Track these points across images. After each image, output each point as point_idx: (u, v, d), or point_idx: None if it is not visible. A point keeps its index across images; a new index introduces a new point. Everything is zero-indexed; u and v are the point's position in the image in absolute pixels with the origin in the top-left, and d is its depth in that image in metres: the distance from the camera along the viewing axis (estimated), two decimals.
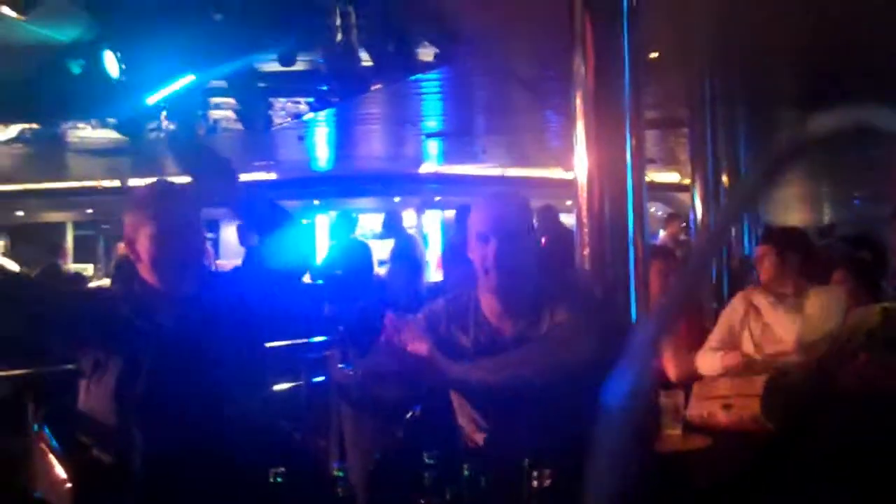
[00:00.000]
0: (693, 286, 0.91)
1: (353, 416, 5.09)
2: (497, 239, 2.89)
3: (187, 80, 6.90)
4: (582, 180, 3.85)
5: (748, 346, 4.53)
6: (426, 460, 2.47)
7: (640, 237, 3.87)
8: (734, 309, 4.68)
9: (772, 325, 4.47)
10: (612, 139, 3.81)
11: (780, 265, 4.53)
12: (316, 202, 18.22)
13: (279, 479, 2.39)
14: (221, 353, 2.83)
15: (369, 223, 14.52)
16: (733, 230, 8.58)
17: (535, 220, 3.22)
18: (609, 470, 0.81)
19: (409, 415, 3.71)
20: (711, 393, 3.96)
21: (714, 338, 4.66)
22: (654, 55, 6.61)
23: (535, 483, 2.29)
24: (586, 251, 3.87)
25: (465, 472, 2.40)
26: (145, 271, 2.84)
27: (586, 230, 3.86)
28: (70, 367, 2.91)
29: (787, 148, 0.78)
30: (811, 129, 0.77)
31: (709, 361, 4.50)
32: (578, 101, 3.88)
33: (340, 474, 2.48)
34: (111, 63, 6.28)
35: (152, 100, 7.15)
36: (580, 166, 3.86)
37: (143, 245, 2.80)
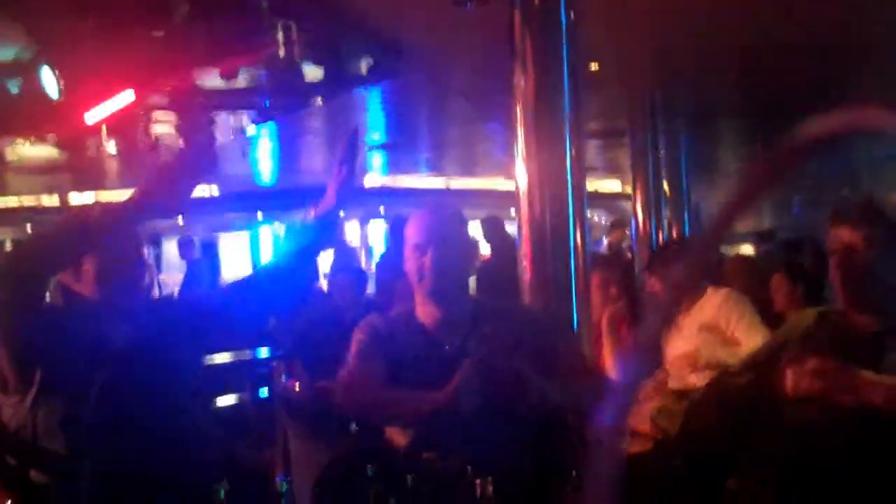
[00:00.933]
0: (686, 292, 0.93)
1: (297, 429, 5.07)
2: (433, 246, 2.91)
3: (127, 97, 6.84)
4: (523, 190, 3.89)
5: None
6: (369, 473, 2.48)
7: (582, 246, 3.91)
8: None
9: (673, 336, 4.52)
10: (552, 149, 3.85)
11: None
12: (260, 215, 18.11)
13: (222, 495, 2.38)
14: (170, 370, 2.82)
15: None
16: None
17: (480, 231, 3.27)
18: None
19: (352, 426, 3.72)
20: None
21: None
22: (594, 66, 6.67)
23: (478, 490, 2.31)
24: (527, 261, 3.90)
25: (409, 483, 2.42)
26: (87, 289, 2.81)
27: (527, 240, 3.89)
28: None
29: (785, 148, 0.80)
30: (808, 129, 0.78)
31: None
32: (519, 113, 3.92)
33: (284, 488, 2.48)
34: (49, 81, 6.21)
35: (92, 118, 7.08)
36: (521, 176, 3.89)
37: (89, 261, 2.78)
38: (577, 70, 3.94)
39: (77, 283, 2.82)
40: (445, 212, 3.13)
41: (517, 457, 2.84)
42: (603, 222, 16.39)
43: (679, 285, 0.91)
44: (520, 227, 3.96)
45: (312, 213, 3.04)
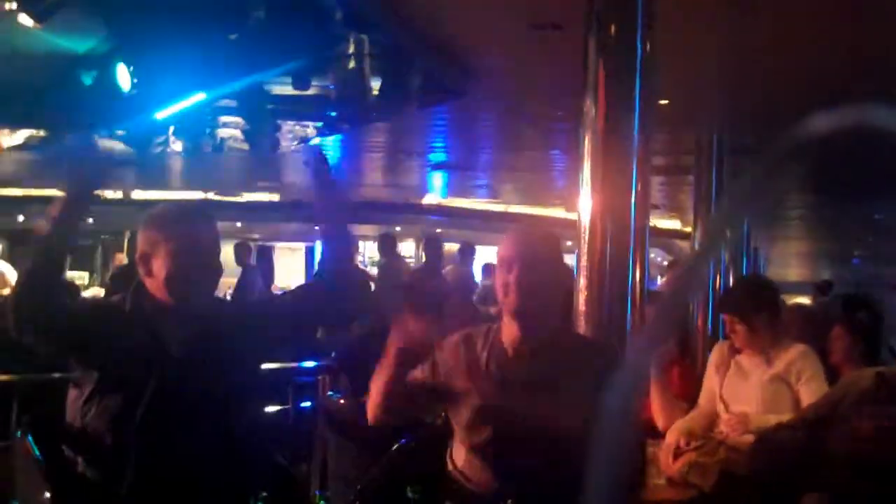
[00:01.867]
0: (677, 309, 0.90)
1: (337, 444, 5.05)
2: (519, 264, 2.88)
3: (198, 97, 6.92)
4: (585, 222, 3.84)
5: (719, 404, 4.47)
6: (409, 494, 2.45)
7: (641, 283, 3.85)
8: (709, 365, 4.62)
9: (740, 380, 4.41)
10: (617, 183, 3.80)
11: (747, 330, 4.42)
12: (316, 227, 18.19)
13: None
14: (225, 375, 2.81)
15: (370, 250, 14.54)
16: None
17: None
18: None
19: (395, 446, 3.68)
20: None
21: (700, 400, 4.60)
22: (664, 102, 6.62)
23: None
24: (584, 294, 3.85)
25: None
26: (157, 288, 2.81)
27: (585, 272, 3.84)
28: (56, 375, 2.88)
29: (784, 148, 0.77)
30: (808, 128, 0.75)
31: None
32: (587, 143, 3.88)
33: (322, 502, 2.46)
34: (123, 76, 6.30)
35: (162, 115, 7.17)
36: (584, 208, 3.85)
37: (160, 262, 2.76)
38: (648, 104, 3.90)
39: (150, 280, 2.82)
40: (537, 232, 3.14)
41: (561, 494, 2.78)
42: (659, 260, 16.26)
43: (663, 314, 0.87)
44: (579, 259, 3.91)
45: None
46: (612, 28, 3.86)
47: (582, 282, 3.87)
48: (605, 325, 3.80)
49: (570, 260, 4.78)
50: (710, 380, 4.57)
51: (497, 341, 2.99)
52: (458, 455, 2.97)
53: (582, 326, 3.85)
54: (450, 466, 2.96)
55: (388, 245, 10.77)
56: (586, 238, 3.82)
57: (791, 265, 22.34)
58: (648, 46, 3.85)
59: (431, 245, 10.21)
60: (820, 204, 13.79)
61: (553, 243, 3.05)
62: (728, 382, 4.45)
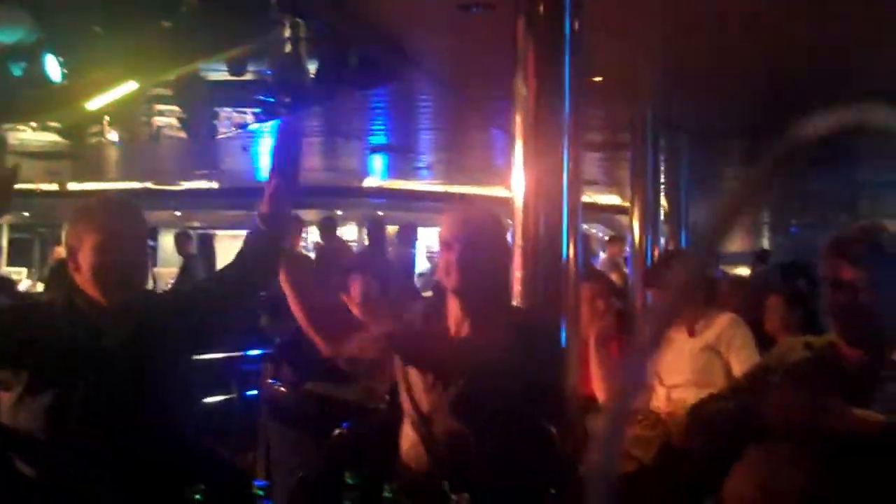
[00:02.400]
0: (680, 303, 0.91)
1: (280, 432, 5.02)
2: (459, 243, 2.91)
3: (130, 87, 6.83)
4: (518, 199, 3.85)
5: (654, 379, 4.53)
6: (348, 480, 2.45)
7: (575, 259, 3.87)
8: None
9: (671, 354, 4.48)
10: (549, 160, 3.81)
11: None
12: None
13: (198, 497, 2.35)
14: (159, 368, 2.79)
15: (312, 235, 14.45)
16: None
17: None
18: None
19: (336, 432, 3.67)
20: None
21: None
22: (598, 79, 6.65)
23: None
24: (520, 271, 3.87)
25: (386, 494, 2.38)
26: (85, 283, 2.77)
27: (520, 250, 3.86)
28: None
29: (783, 149, 0.77)
30: (807, 129, 0.76)
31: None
32: (518, 122, 3.89)
33: (260, 493, 2.45)
34: (53, 67, 6.19)
35: (94, 105, 7.06)
36: (517, 186, 3.86)
37: (86, 256, 2.73)
38: (579, 81, 3.90)
39: (78, 275, 2.78)
40: (476, 211, 3.17)
41: (497, 474, 2.80)
42: (601, 236, 16.37)
43: (673, 301, 0.88)
44: (514, 237, 3.93)
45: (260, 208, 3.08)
46: (541, 7, 3.86)
47: (517, 259, 3.89)
48: (539, 301, 3.82)
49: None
50: None
51: (441, 319, 3.02)
52: (406, 439, 2.98)
53: (518, 303, 3.86)
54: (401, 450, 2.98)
55: (328, 229, 10.71)
56: (520, 216, 3.83)
57: (731, 236, 22.62)
58: (577, 24, 3.86)
59: (374, 228, 10.15)
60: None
61: (493, 222, 3.07)
62: (661, 357, 4.51)
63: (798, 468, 2.46)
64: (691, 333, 4.45)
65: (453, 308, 3.00)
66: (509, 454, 2.88)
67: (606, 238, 13.21)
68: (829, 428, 2.41)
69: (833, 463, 2.41)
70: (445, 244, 2.96)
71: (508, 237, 3.23)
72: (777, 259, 14.58)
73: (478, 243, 2.92)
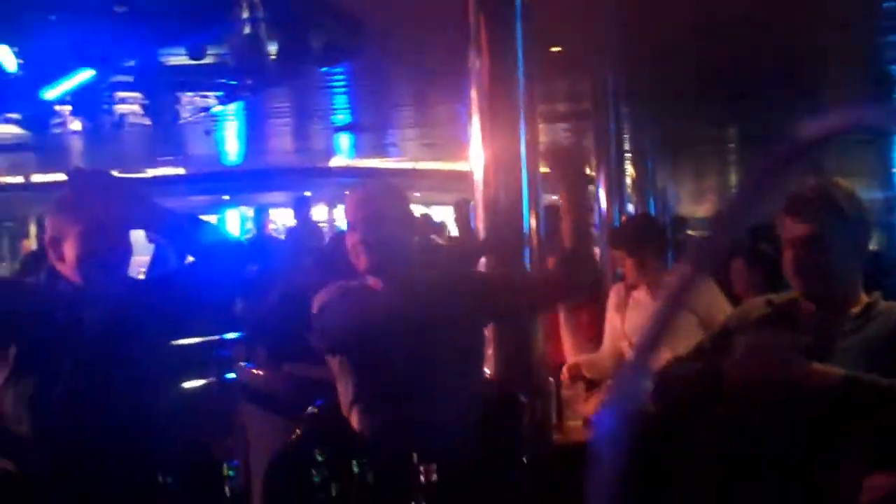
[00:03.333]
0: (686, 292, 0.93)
1: (256, 414, 5.03)
2: (363, 223, 2.97)
3: (87, 74, 6.78)
4: (478, 174, 3.87)
5: (623, 341, 4.58)
6: (317, 457, 2.47)
7: (537, 230, 3.90)
8: (609, 306, 4.74)
9: (638, 315, 4.53)
10: (505, 134, 3.82)
11: (636, 264, 4.57)
12: (226, 197, 18.02)
13: (170, 481, 2.37)
14: (141, 354, 2.80)
15: (281, 218, 14.42)
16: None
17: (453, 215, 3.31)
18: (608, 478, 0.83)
19: (308, 410, 3.69)
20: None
21: (605, 341, 4.71)
22: (556, 49, 6.66)
23: (422, 478, 2.30)
24: (483, 245, 3.89)
25: (355, 469, 2.41)
26: (69, 271, 2.78)
27: (483, 224, 3.88)
28: None
29: (786, 149, 0.79)
30: (809, 129, 0.78)
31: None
32: (474, 96, 3.90)
33: (231, 474, 2.47)
34: (7, 57, 6.14)
35: (51, 94, 7.01)
36: (476, 161, 3.87)
37: (70, 245, 2.75)
38: (533, 52, 3.91)
39: (61, 264, 2.79)
40: (375, 190, 3.23)
41: (463, 442, 2.84)
42: None
43: (685, 282, 0.90)
44: (475, 211, 3.95)
45: None
46: None
47: (480, 233, 3.91)
48: (504, 274, 3.84)
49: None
50: (612, 320, 4.68)
51: (367, 295, 3.08)
52: (353, 415, 3.02)
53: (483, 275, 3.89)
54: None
55: (301, 209, 10.60)
56: (481, 189, 3.85)
57: (701, 202, 22.75)
58: None
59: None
60: (725, 138, 14.04)
61: (392, 196, 3.15)
62: (629, 318, 4.56)
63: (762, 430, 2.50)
64: (654, 291, 4.49)
65: (374, 284, 3.07)
66: (477, 423, 2.92)
67: None
68: (790, 383, 2.45)
69: (795, 420, 2.46)
70: (350, 226, 3.04)
71: (410, 207, 3.27)
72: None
73: (380, 219, 2.98)
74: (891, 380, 2.42)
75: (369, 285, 3.09)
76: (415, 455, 2.35)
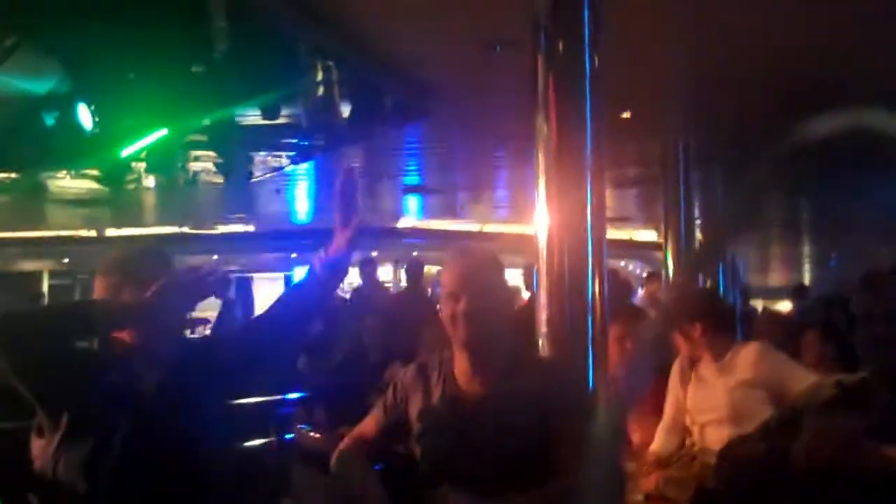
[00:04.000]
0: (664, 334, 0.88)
1: (311, 477, 5.00)
2: (466, 294, 2.82)
3: (162, 132, 6.89)
4: (542, 238, 3.83)
5: (686, 416, 4.47)
6: None
7: (601, 297, 3.83)
8: (673, 382, 4.62)
9: (702, 391, 4.41)
10: (572, 198, 3.79)
11: (686, 339, 4.47)
12: (294, 255, 18.16)
13: None
14: (198, 414, 2.77)
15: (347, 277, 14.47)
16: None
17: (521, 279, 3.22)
18: None
19: None
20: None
21: (666, 416, 4.59)
22: (626, 115, 6.63)
23: None
24: (545, 311, 3.83)
25: None
26: (124, 332, 2.78)
27: (545, 289, 3.82)
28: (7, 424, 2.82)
29: (784, 151, 0.75)
30: (808, 131, 0.74)
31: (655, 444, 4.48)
32: (541, 159, 3.87)
33: None
34: (85, 115, 6.27)
35: (127, 152, 7.13)
36: (541, 224, 3.83)
37: None
38: (601, 117, 3.89)
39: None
40: (479, 258, 2.99)
41: None
42: (638, 272, 16.25)
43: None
44: (539, 276, 3.90)
45: (323, 256, 2.99)
46: (560, 44, 3.86)
47: (542, 298, 3.85)
48: (566, 340, 3.78)
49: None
50: (675, 394, 4.56)
51: (450, 372, 2.94)
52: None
53: (544, 343, 3.82)
54: None
55: (367, 269, 10.73)
56: (544, 254, 3.80)
57: (772, 269, 22.38)
58: (597, 60, 3.85)
59: (412, 268, 10.10)
60: (795, 206, 13.83)
61: (495, 266, 2.97)
62: (692, 394, 4.45)
63: None
64: (718, 366, 4.37)
65: (460, 361, 2.91)
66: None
67: (644, 275, 13.11)
68: (859, 468, 2.36)
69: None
70: (451, 295, 2.86)
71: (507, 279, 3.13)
72: (818, 291, 14.39)
73: (484, 291, 2.84)
74: None
75: (462, 382, 2.94)
76: None
